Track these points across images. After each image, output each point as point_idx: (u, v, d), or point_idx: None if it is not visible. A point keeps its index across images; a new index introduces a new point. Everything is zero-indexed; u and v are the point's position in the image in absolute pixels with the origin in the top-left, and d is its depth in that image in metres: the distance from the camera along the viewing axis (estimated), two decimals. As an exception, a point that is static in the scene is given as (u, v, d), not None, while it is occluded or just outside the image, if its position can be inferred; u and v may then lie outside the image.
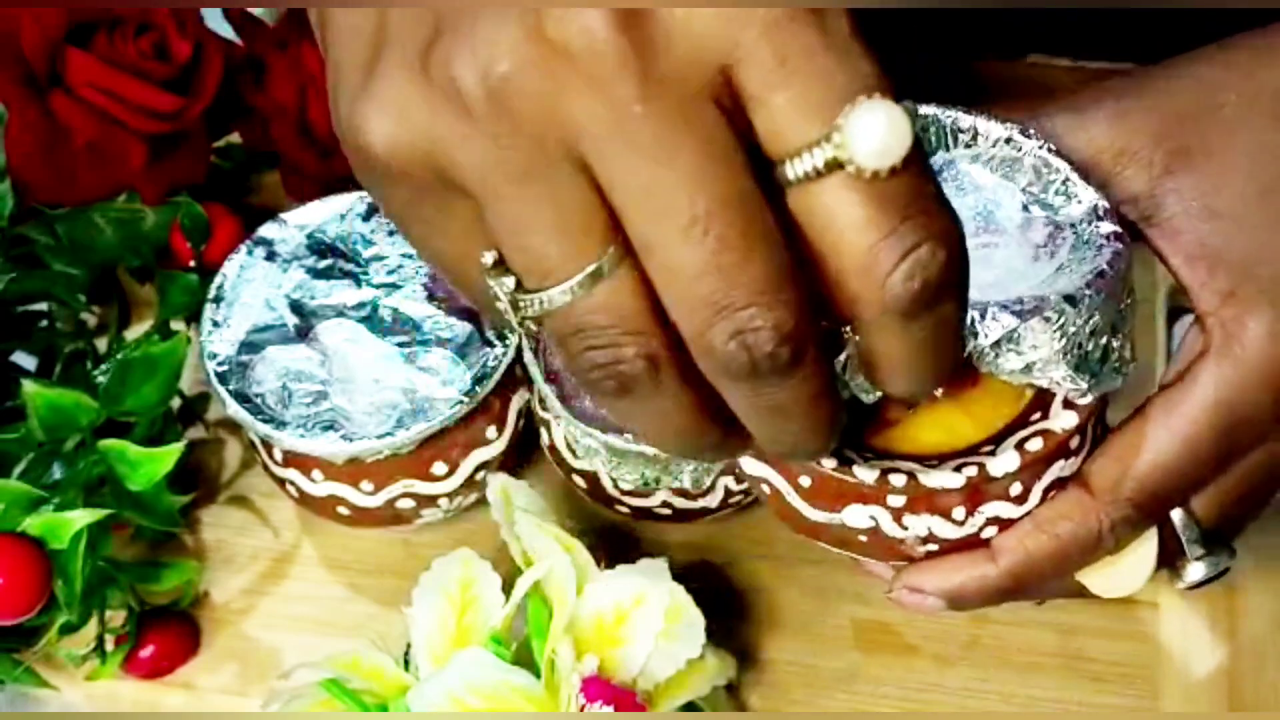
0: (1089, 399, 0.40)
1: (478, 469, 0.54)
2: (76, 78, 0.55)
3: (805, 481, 0.43)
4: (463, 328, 0.53)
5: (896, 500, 0.41)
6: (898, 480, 0.40)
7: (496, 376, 0.52)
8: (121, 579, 0.53)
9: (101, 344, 0.59)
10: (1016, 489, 0.41)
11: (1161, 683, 0.54)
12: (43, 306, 0.59)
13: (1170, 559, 0.44)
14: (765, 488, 0.45)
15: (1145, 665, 0.54)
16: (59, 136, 0.56)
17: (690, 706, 0.48)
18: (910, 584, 0.45)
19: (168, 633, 0.55)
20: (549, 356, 0.51)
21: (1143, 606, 0.55)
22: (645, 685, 0.46)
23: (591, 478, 0.54)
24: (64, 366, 0.57)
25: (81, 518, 0.48)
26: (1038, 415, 0.41)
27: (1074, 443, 0.41)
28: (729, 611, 0.56)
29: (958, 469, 0.40)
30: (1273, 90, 0.41)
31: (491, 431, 0.54)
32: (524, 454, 0.57)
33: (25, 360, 0.58)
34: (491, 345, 0.52)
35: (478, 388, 0.51)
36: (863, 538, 0.43)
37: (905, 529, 0.42)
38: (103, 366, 0.55)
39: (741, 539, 0.57)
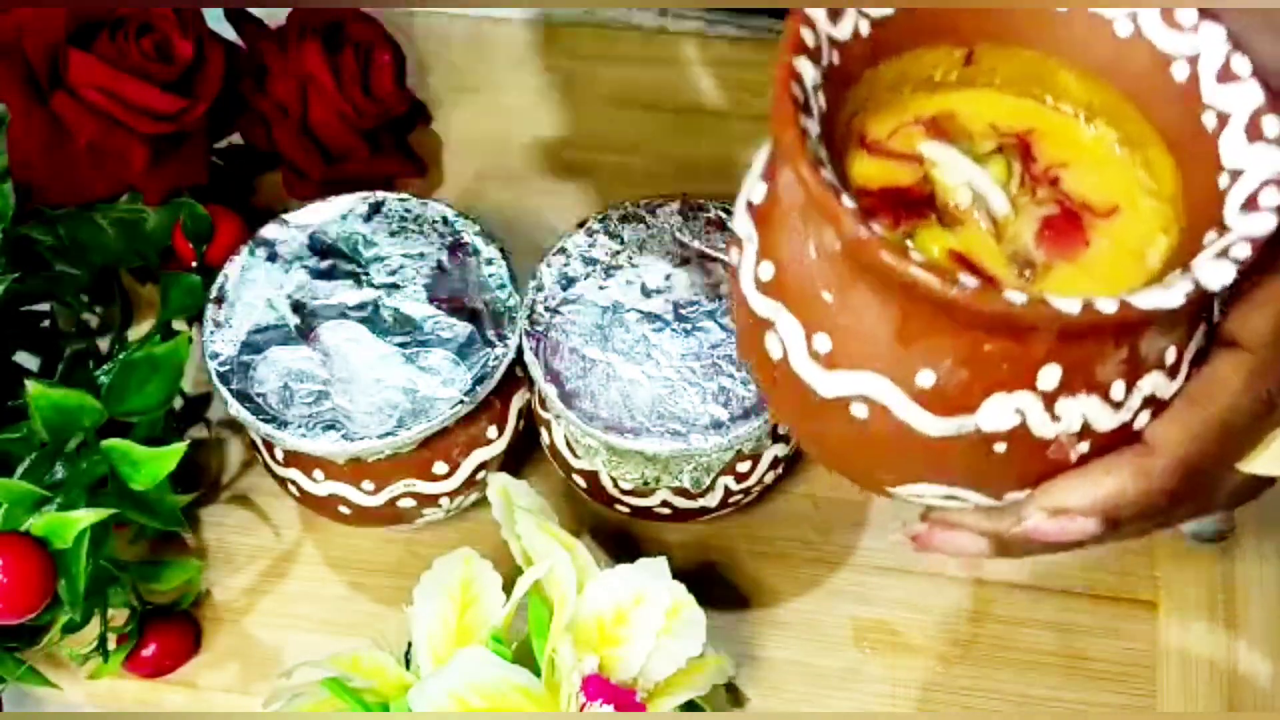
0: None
1: (478, 468, 0.54)
2: (78, 79, 0.55)
3: (928, 379, 0.33)
4: (463, 328, 0.53)
5: (1051, 376, 0.33)
6: (1107, 306, 0.31)
7: (497, 376, 0.52)
8: (124, 578, 0.53)
9: (104, 344, 0.59)
10: (1171, 355, 0.34)
11: (1161, 682, 0.54)
12: (45, 307, 0.59)
13: None
14: (861, 408, 0.35)
15: (1145, 665, 0.54)
16: (61, 137, 0.56)
17: (690, 705, 0.48)
18: (1053, 504, 0.36)
19: (169, 632, 0.55)
20: (549, 356, 0.51)
21: (1142, 606, 0.55)
22: (645, 684, 0.46)
23: (591, 478, 0.54)
24: (67, 367, 0.57)
25: (84, 517, 0.48)
26: (1210, 236, 0.34)
27: (1201, 330, 0.35)
28: (729, 611, 0.56)
29: (1167, 285, 0.32)
30: None
31: (492, 431, 0.54)
32: (524, 454, 0.58)
33: (28, 360, 0.58)
34: (492, 346, 0.52)
35: (478, 388, 0.51)
36: (1000, 447, 0.34)
37: (1058, 420, 0.34)
38: (105, 367, 0.55)
39: (741, 539, 0.58)
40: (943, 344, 0.33)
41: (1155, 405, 0.35)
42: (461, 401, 0.51)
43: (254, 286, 0.54)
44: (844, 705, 0.54)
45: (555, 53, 0.71)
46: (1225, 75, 0.35)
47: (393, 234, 0.55)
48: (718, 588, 0.56)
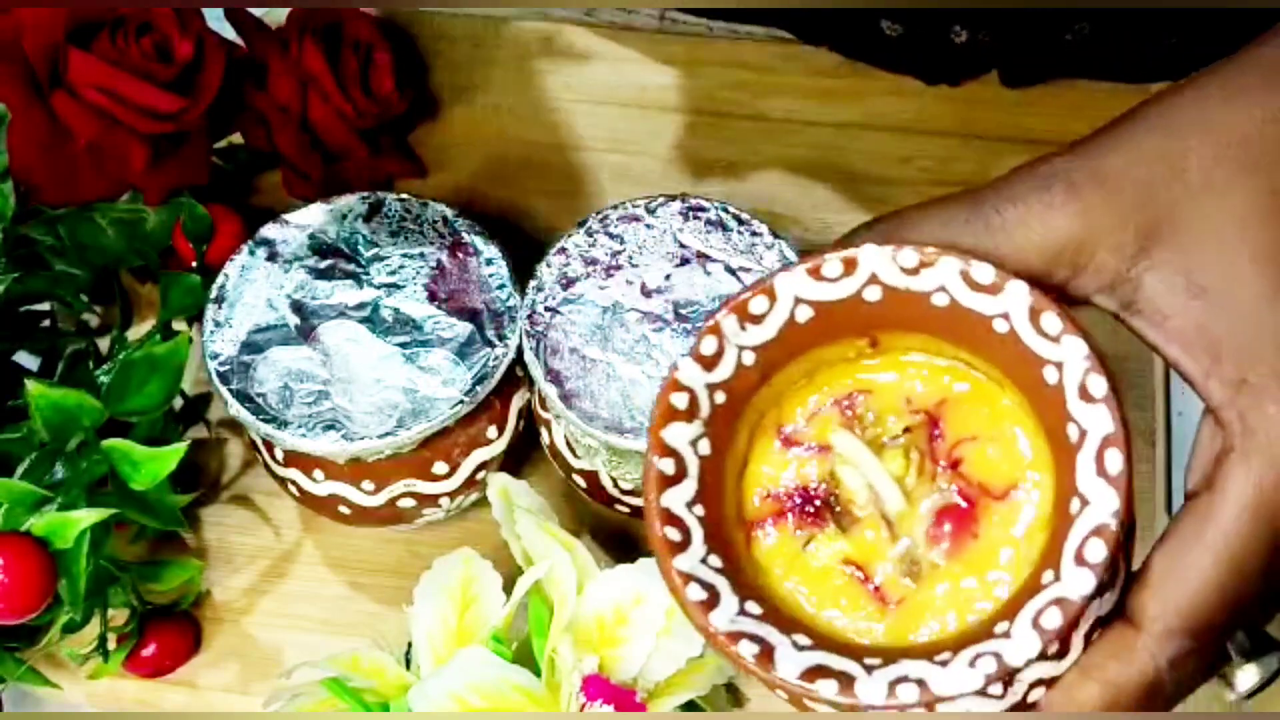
0: (1102, 554, 0.34)
1: (478, 468, 0.54)
2: (78, 78, 0.55)
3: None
4: (463, 328, 0.53)
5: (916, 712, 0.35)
6: (908, 694, 0.33)
7: (497, 376, 0.52)
8: (124, 578, 0.53)
9: (104, 344, 0.59)
10: (1054, 647, 0.35)
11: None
12: (45, 307, 0.59)
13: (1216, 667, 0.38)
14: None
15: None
16: (61, 137, 0.56)
17: (690, 705, 0.48)
18: None
19: (169, 632, 0.55)
20: (549, 356, 0.51)
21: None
22: (645, 684, 0.46)
23: (591, 478, 0.54)
24: (67, 367, 0.57)
25: (85, 517, 0.48)
26: (1049, 575, 0.35)
27: (1095, 604, 0.35)
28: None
29: (972, 663, 0.34)
30: (1239, 137, 0.36)
31: (492, 431, 0.54)
32: (524, 454, 0.58)
33: (28, 360, 0.58)
34: (492, 345, 0.52)
35: (478, 388, 0.51)
36: None
37: None
38: (105, 366, 0.55)
39: (741, 538, 0.57)
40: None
41: (1048, 683, 0.36)
42: (461, 401, 0.51)
43: (254, 286, 0.54)
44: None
45: (555, 53, 0.71)
46: (1084, 394, 0.35)
47: (393, 234, 0.56)
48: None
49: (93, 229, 0.59)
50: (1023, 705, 0.36)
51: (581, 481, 0.55)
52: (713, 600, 0.35)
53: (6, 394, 0.54)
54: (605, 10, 0.72)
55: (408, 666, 0.49)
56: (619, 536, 0.58)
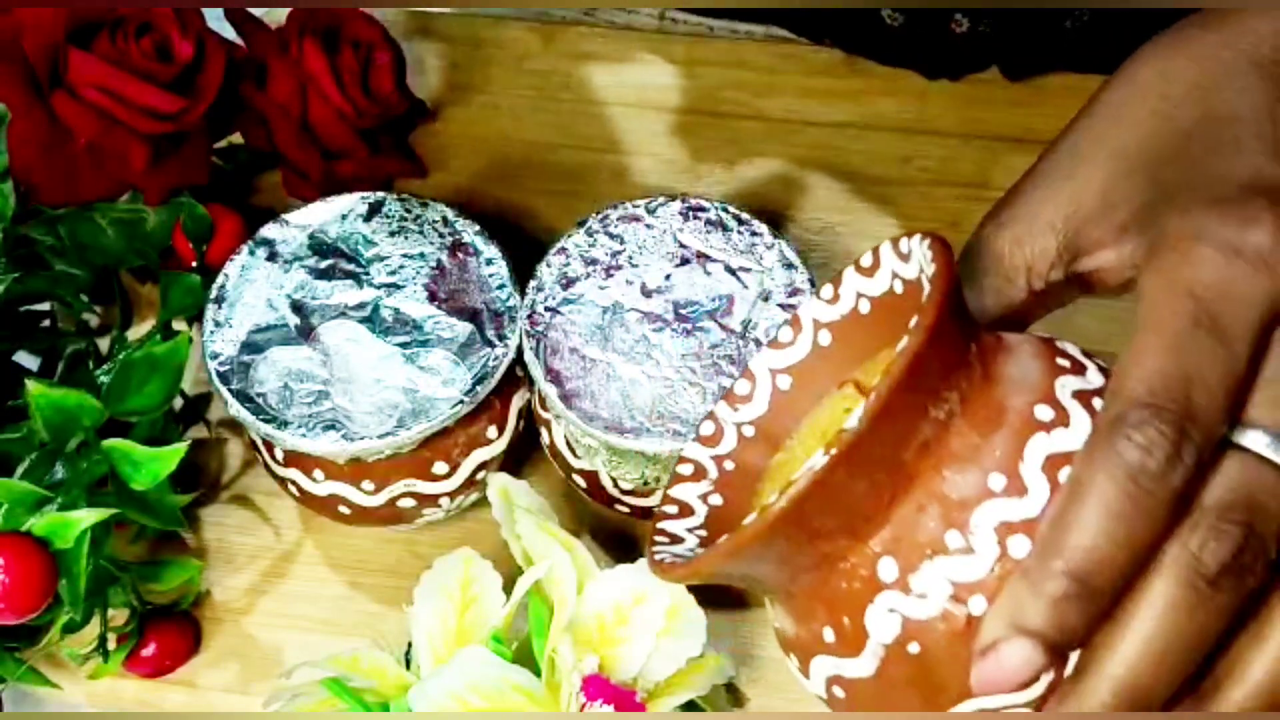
0: None
1: (478, 468, 0.54)
2: (78, 78, 0.55)
3: (829, 634, 0.37)
4: (463, 328, 0.53)
5: (889, 567, 0.36)
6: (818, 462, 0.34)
7: (497, 376, 0.52)
8: (124, 578, 0.53)
9: (104, 344, 0.59)
10: (971, 485, 0.35)
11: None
12: (45, 307, 0.59)
13: None
14: (837, 690, 0.38)
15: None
16: (61, 137, 0.56)
17: (690, 705, 0.48)
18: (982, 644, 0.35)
19: (169, 631, 0.55)
20: (549, 356, 0.51)
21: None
22: (645, 684, 0.46)
23: (591, 478, 0.54)
24: (67, 366, 0.57)
25: (85, 517, 0.48)
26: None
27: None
28: (729, 611, 0.56)
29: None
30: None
31: (492, 431, 0.54)
32: (524, 454, 0.58)
33: (28, 360, 0.58)
34: (492, 345, 0.52)
35: (478, 388, 0.51)
36: (914, 649, 0.36)
37: (924, 597, 0.35)
38: (105, 366, 0.55)
39: (741, 538, 0.57)
40: (805, 605, 0.37)
41: (1010, 530, 0.35)
42: (461, 401, 0.51)
43: (254, 286, 0.54)
44: (844, 705, 0.54)
45: (555, 53, 0.71)
46: None
47: (393, 234, 0.56)
48: (718, 588, 0.56)
49: (93, 229, 0.59)
50: (1005, 558, 0.35)
51: (581, 481, 0.55)
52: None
53: (6, 394, 0.54)
54: (605, 10, 0.72)
55: (408, 666, 0.49)
56: (619, 536, 0.58)
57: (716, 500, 0.41)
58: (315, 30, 0.62)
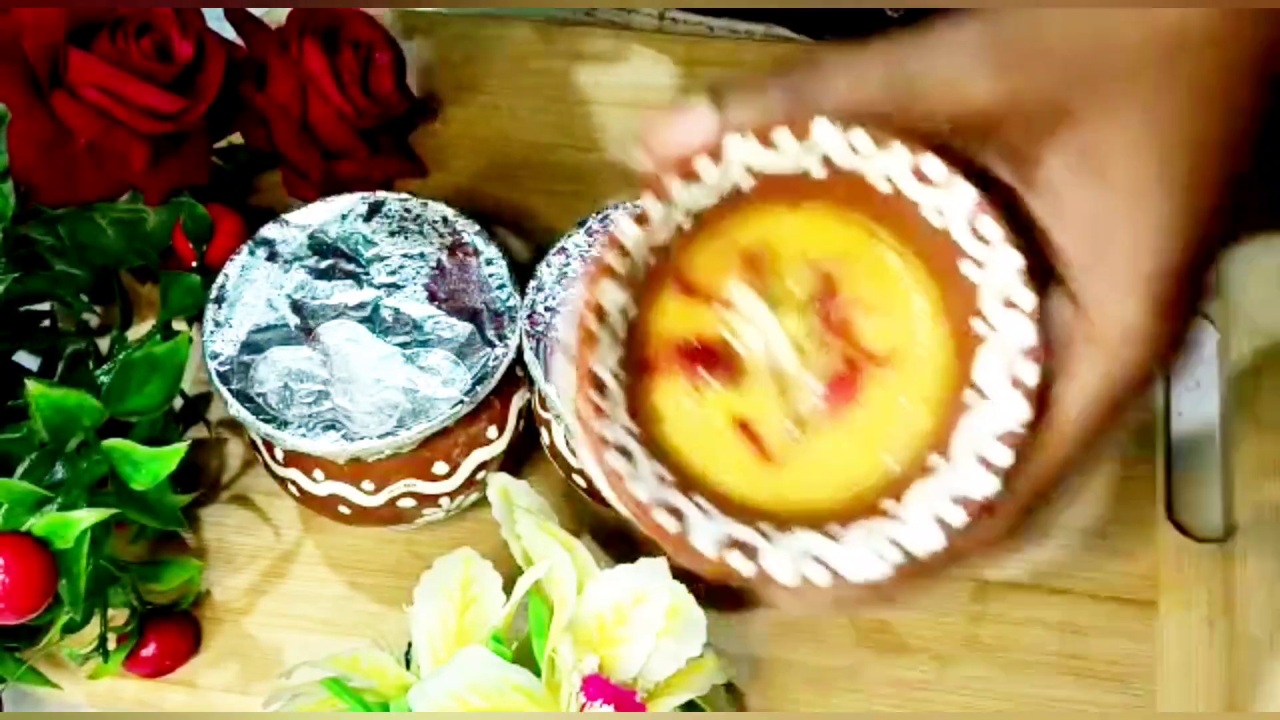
0: (1006, 459, 0.35)
1: (478, 469, 0.54)
2: (78, 78, 0.55)
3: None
4: (463, 328, 0.53)
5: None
6: (818, 574, 0.34)
7: (497, 376, 0.52)
8: (124, 578, 0.53)
9: (104, 344, 0.59)
10: (959, 541, 0.35)
11: (1161, 682, 0.54)
12: (45, 307, 0.59)
13: None
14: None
15: (1144, 665, 0.54)
16: (61, 137, 0.56)
17: (690, 706, 0.48)
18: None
19: (169, 631, 0.55)
20: (549, 356, 0.51)
21: (1143, 606, 0.55)
22: (645, 684, 0.46)
23: (592, 478, 0.54)
24: (67, 366, 0.57)
25: (86, 517, 0.48)
26: (936, 459, 0.36)
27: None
28: (729, 611, 0.56)
29: (878, 551, 0.35)
30: (1169, 25, 0.34)
31: (492, 431, 0.54)
32: (524, 454, 0.58)
33: (28, 360, 0.58)
34: (492, 345, 0.52)
35: (478, 388, 0.51)
36: None
37: None
38: (105, 366, 0.55)
39: (741, 538, 0.57)
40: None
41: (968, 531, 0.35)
42: (461, 401, 0.51)
43: (254, 286, 0.54)
44: (844, 705, 0.54)
45: (555, 53, 0.71)
46: (1008, 303, 0.35)
47: (393, 234, 0.56)
48: (717, 587, 0.56)
49: (93, 229, 0.59)
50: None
51: (581, 481, 0.55)
52: (631, 471, 0.36)
53: (6, 394, 0.54)
54: (605, 10, 0.72)
55: (408, 666, 0.49)
56: (619, 536, 0.58)
57: (633, 313, 0.37)
58: (315, 30, 0.62)
